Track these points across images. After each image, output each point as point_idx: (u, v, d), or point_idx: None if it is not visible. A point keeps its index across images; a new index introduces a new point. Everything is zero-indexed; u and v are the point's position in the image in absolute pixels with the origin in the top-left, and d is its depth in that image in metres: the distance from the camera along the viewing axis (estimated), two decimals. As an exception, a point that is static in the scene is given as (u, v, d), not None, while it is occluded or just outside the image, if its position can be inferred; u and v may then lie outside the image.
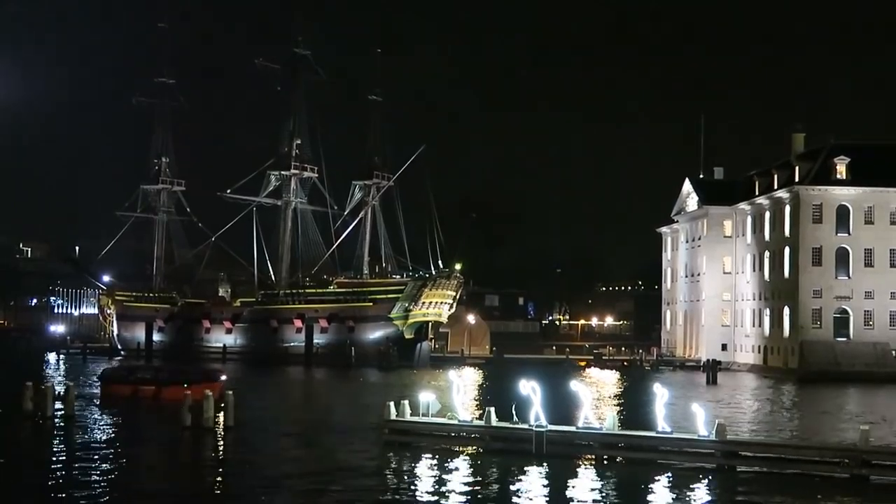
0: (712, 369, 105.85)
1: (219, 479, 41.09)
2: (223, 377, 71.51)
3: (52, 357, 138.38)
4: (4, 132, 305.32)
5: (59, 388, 65.45)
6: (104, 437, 51.65)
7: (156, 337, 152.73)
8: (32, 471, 41.57)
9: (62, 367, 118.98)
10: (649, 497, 37.25)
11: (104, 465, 42.39)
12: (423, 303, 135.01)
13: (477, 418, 48.16)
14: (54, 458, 44.50)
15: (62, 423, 55.99)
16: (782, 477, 39.80)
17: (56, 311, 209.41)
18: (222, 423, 54.34)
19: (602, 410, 58.54)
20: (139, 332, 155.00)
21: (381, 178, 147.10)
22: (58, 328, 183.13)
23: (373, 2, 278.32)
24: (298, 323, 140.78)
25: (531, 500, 36.44)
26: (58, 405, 59.70)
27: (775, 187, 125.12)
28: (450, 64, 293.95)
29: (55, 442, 50.03)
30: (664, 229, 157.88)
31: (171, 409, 57.58)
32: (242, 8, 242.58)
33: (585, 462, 42.64)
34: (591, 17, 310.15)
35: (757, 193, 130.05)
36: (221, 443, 50.08)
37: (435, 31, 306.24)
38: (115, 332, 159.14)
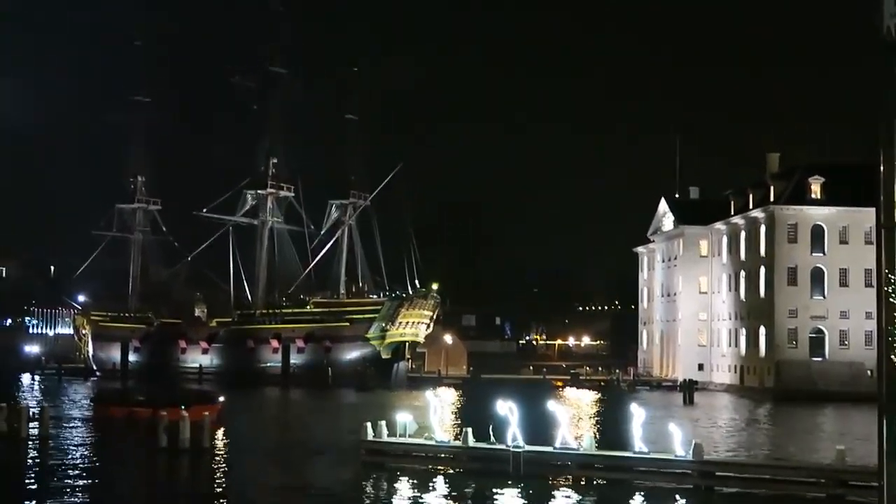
0: (689, 389, 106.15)
1: (193, 501, 40.87)
2: (221, 399, 71.08)
3: (26, 378, 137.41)
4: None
5: (34, 409, 65.00)
6: (77, 459, 51.22)
7: (131, 357, 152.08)
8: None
9: (37, 387, 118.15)
10: (626, 517, 37.24)
11: (74, 487, 42.04)
12: (400, 323, 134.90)
13: (454, 439, 48.08)
14: (27, 480, 44.13)
15: (37, 444, 55.50)
16: (759, 497, 39.85)
17: (31, 331, 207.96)
18: (204, 444, 53.83)
19: (579, 431, 58.52)
20: (115, 353, 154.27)
21: (358, 198, 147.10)
22: (32, 348, 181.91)
23: (350, 19, 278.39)
24: (275, 343, 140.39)
25: (508, 520, 36.35)
26: (33, 427, 59.22)
27: (750, 207, 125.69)
28: (427, 80, 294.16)
29: (28, 463, 49.60)
30: (640, 249, 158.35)
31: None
32: (218, 27, 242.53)
33: (562, 482, 42.58)
34: (568, 36, 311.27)
35: (732, 213, 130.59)
36: (197, 464, 49.77)
37: (412, 45, 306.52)
38: (91, 353, 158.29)
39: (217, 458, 51.45)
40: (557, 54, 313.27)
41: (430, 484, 42.64)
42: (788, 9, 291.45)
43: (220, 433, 61.08)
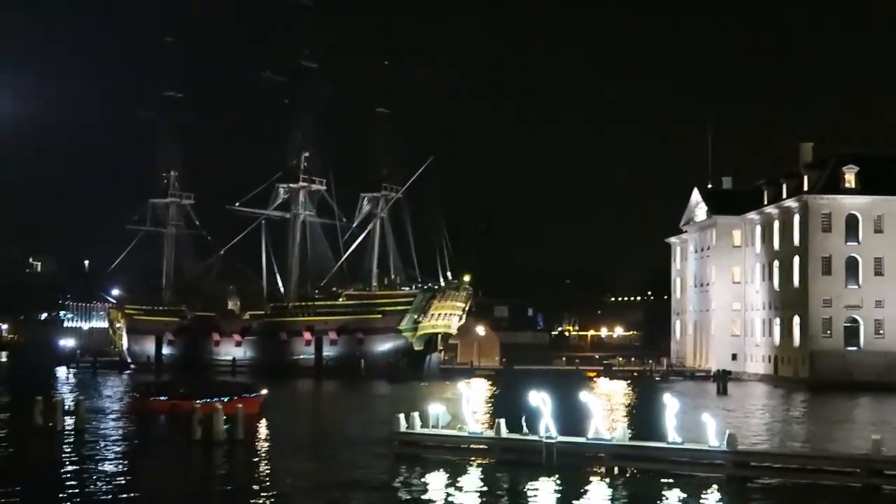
0: (722, 379, 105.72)
1: (227, 493, 41.07)
2: (263, 391, 71.26)
3: (61, 371, 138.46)
4: (14, 146, 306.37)
5: (70, 402, 65.46)
6: (112, 452, 51.54)
7: (165, 350, 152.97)
8: (35, 485, 41.62)
9: (72, 381, 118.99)
10: (660, 508, 37.17)
11: (108, 479, 42.33)
12: (433, 314, 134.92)
13: (487, 430, 48.11)
14: (62, 473, 44.47)
15: (73, 437, 55.91)
16: (794, 487, 39.68)
17: (66, 324, 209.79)
18: (239, 435, 54.00)
19: (612, 421, 58.40)
20: (149, 346, 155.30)
21: (390, 191, 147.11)
22: (67, 342, 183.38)
23: (381, 13, 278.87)
24: (308, 335, 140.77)
25: (542, 511, 36.35)
26: (69, 420, 59.64)
27: (784, 196, 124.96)
28: (459, 74, 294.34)
29: (63, 457, 49.95)
30: (673, 239, 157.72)
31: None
32: (249, 21, 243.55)
33: (596, 473, 42.54)
34: (600, 27, 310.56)
35: (765, 203, 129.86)
36: (231, 456, 50.02)
37: (443, 41, 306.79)
38: (125, 346, 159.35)
39: (251, 450, 51.67)
40: (582, 50, 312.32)
41: (464, 475, 42.70)
42: (811, 6, 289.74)
43: (262, 425, 61.33)
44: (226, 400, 61.57)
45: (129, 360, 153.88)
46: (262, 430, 59.94)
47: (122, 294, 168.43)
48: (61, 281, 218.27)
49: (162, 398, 71.34)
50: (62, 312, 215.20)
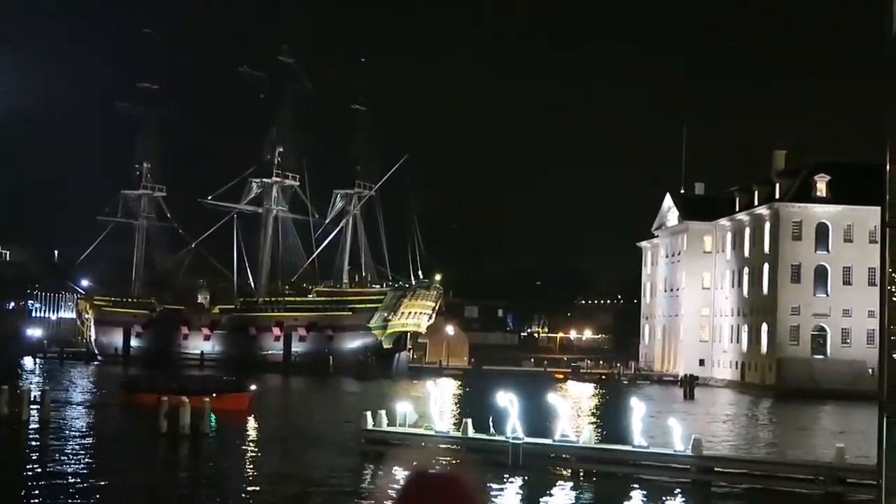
0: (690, 384, 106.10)
1: (190, 490, 40.89)
2: (253, 387, 70.93)
3: (28, 361, 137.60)
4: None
5: (36, 392, 65.05)
6: (76, 442, 51.26)
7: (133, 343, 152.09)
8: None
9: (39, 371, 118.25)
10: (624, 511, 37.25)
11: (71, 470, 42.09)
12: (402, 313, 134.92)
13: (454, 429, 48.11)
14: (25, 463, 44.19)
15: (38, 428, 55.55)
16: (757, 493, 39.86)
17: (34, 315, 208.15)
18: (204, 429, 53.80)
19: (579, 424, 58.53)
20: (117, 338, 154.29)
21: (363, 188, 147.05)
22: (35, 332, 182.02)
23: (361, 10, 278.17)
24: (277, 331, 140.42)
25: (506, 512, 36.35)
26: (34, 410, 59.24)
27: (756, 203, 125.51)
28: (436, 74, 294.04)
29: (27, 446, 49.67)
30: (644, 244, 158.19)
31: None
32: (228, 15, 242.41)
33: (561, 475, 42.60)
34: (574, 31, 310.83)
35: (737, 209, 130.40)
36: (196, 452, 49.80)
37: (422, 41, 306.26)
38: (93, 338, 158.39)
39: (217, 445, 51.49)
40: (559, 51, 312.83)
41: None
42: (792, 9, 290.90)
43: (242, 421, 61.07)
44: (215, 395, 61.30)
45: (96, 352, 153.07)
46: (232, 425, 59.59)
47: (92, 285, 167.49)
48: (30, 270, 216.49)
49: (150, 393, 70.81)
50: (30, 302, 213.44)
